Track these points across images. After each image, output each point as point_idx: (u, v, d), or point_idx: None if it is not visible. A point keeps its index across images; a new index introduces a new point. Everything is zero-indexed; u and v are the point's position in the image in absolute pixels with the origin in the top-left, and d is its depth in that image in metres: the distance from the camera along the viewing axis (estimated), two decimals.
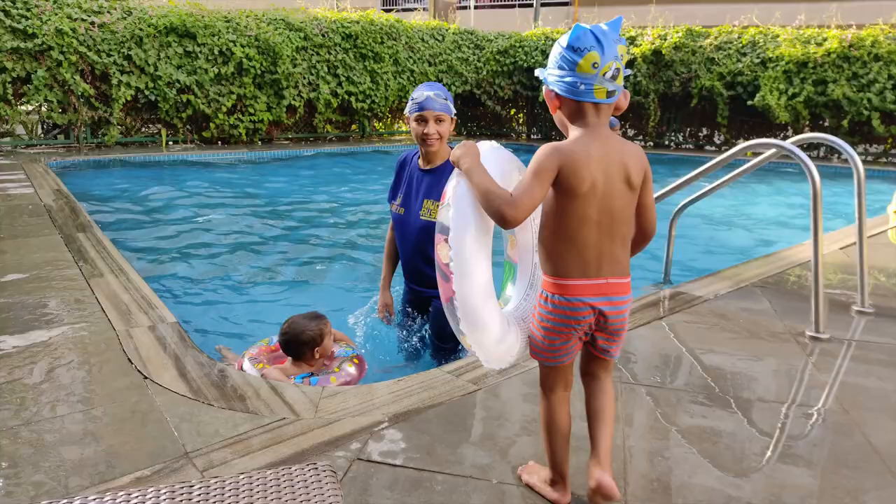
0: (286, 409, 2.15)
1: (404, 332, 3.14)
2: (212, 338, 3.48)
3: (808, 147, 11.80)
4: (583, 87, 1.46)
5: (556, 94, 1.52)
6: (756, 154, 3.48)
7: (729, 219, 6.71)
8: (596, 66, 1.44)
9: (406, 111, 2.82)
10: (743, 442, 2.04)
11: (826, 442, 2.08)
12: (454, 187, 1.59)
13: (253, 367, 2.73)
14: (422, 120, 2.73)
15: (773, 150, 3.35)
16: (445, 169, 2.79)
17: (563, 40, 1.48)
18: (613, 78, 1.47)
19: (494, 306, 1.62)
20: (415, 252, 2.95)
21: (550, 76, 1.52)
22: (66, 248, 4.09)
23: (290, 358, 2.78)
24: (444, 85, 13.39)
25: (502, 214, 1.44)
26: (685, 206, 3.86)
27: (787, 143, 3.05)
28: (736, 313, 3.27)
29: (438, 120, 2.73)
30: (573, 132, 1.53)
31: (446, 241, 1.56)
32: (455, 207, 1.56)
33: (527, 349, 1.69)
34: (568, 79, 1.47)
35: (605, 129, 1.53)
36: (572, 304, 1.53)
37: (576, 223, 1.50)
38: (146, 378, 2.36)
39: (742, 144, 3.16)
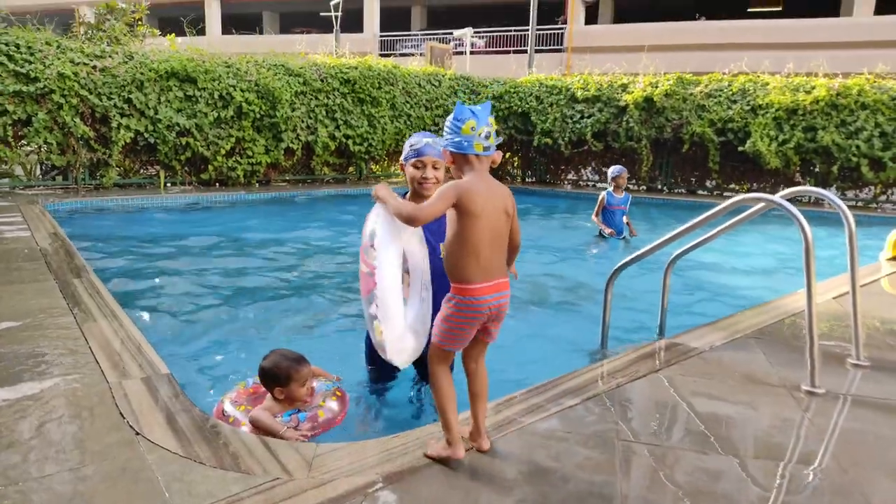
0: (279, 469, 2.12)
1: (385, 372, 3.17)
2: (205, 384, 3.44)
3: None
4: (466, 143, 2.12)
5: (451, 152, 2.16)
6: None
7: (719, 265, 6.75)
8: (473, 129, 2.10)
9: (403, 158, 2.90)
10: (742, 502, 2.02)
11: (825, 502, 2.06)
12: (377, 212, 2.40)
13: (235, 409, 2.72)
14: (420, 165, 2.82)
15: (762, 204, 3.39)
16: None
17: (451, 116, 2.15)
18: (486, 138, 2.13)
19: (401, 305, 2.40)
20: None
21: (446, 140, 2.17)
22: (60, 295, 4.08)
23: (268, 394, 2.77)
24: (441, 129, 13.53)
25: (413, 217, 2.12)
26: (678, 257, 3.89)
27: (779, 198, 3.10)
28: (731, 366, 3.27)
29: (435, 166, 2.84)
30: (465, 176, 2.15)
31: (373, 246, 2.35)
32: (381, 223, 2.36)
33: (420, 347, 2.47)
34: (456, 139, 2.12)
35: (487, 174, 2.17)
36: (478, 302, 2.11)
37: (475, 241, 2.09)
38: (138, 434, 2.33)
39: (734, 198, 3.21)
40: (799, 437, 2.54)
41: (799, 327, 4.01)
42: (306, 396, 2.76)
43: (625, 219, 7.87)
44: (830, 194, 3.28)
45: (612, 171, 7.94)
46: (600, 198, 7.87)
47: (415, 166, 2.83)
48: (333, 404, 2.75)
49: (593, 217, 8.00)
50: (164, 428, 2.39)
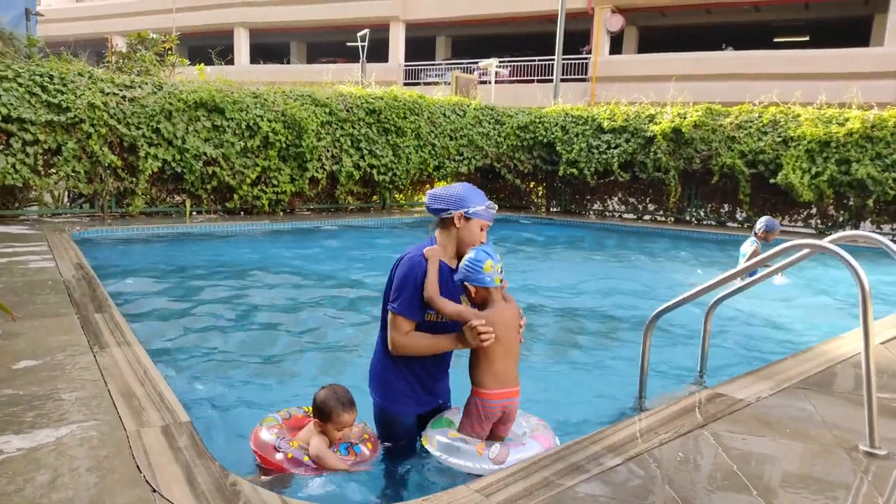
0: None
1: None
2: (226, 426, 3.32)
3: (837, 223, 11.65)
4: (489, 279, 2.61)
5: (476, 287, 2.63)
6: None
7: (757, 305, 6.49)
8: (492, 267, 2.61)
9: (473, 207, 2.72)
10: None
11: None
12: None
13: (287, 443, 2.72)
14: (486, 229, 2.78)
15: (807, 251, 3.21)
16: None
17: (471, 258, 2.64)
18: (501, 271, 2.65)
19: None
20: (449, 356, 2.95)
21: (466, 276, 2.64)
22: (81, 331, 4.01)
23: (309, 424, 2.83)
24: (465, 158, 13.60)
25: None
26: (720, 300, 3.71)
27: (831, 245, 2.92)
28: (781, 421, 3.06)
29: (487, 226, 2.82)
30: (490, 307, 2.63)
31: None
32: None
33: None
34: (479, 276, 2.61)
35: (502, 297, 2.68)
36: (490, 404, 2.65)
37: (492, 357, 2.63)
38: (154, 491, 2.21)
39: (784, 245, 3.03)
40: None
41: (849, 377, 3.79)
42: (338, 438, 2.75)
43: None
44: (885, 240, 3.09)
45: (768, 224, 6.95)
46: (755, 248, 6.79)
47: (482, 228, 2.76)
48: (366, 451, 2.81)
49: (743, 263, 6.56)
50: (183, 484, 2.26)
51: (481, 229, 2.75)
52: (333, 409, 2.71)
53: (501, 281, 2.63)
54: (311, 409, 2.86)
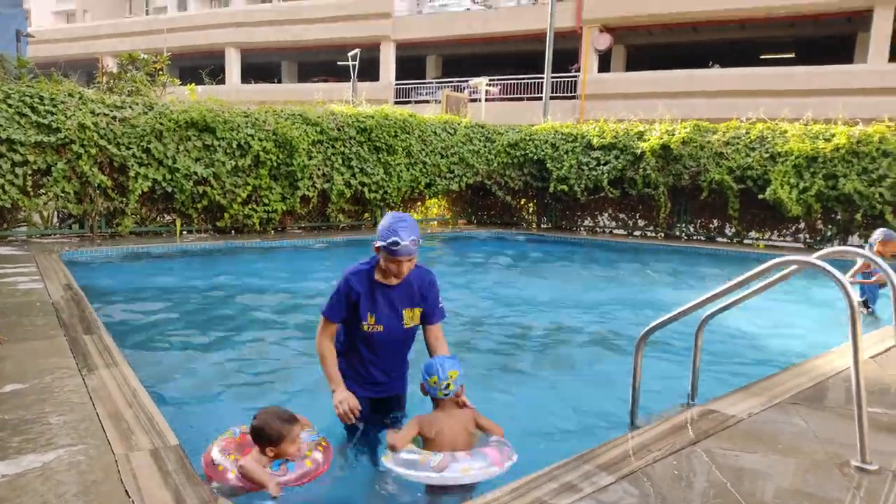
0: None
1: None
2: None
3: (825, 237, 11.74)
4: (432, 391, 2.97)
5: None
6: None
7: (745, 321, 6.51)
8: (436, 383, 2.93)
9: (378, 243, 3.02)
10: None
11: None
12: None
13: (225, 457, 2.73)
14: (397, 261, 3.01)
15: (794, 267, 3.24)
16: (409, 278, 3.17)
17: (423, 370, 3.00)
18: (446, 387, 2.93)
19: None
20: (395, 358, 3.37)
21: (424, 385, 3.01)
22: (70, 353, 3.97)
23: (256, 447, 2.76)
24: (455, 176, 13.64)
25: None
26: (709, 317, 3.72)
27: (819, 261, 2.95)
28: (773, 437, 3.06)
29: (409, 260, 3.04)
30: (436, 408, 3.03)
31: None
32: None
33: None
34: (427, 386, 2.97)
35: (449, 407, 3.00)
36: None
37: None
38: None
39: (772, 261, 3.06)
40: None
41: (840, 391, 3.80)
42: (296, 453, 2.75)
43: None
44: (876, 257, 3.12)
45: (887, 234, 6.63)
46: (862, 262, 6.46)
47: (391, 260, 3.02)
48: (318, 455, 2.83)
49: (849, 278, 6.33)
50: None
51: (391, 261, 3.01)
52: (280, 429, 2.69)
53: (446, 395, 2.94)
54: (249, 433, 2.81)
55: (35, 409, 3.09)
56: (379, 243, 3.00)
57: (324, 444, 2.92)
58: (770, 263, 3.08)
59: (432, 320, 3.32)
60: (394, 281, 3.14)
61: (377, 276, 3.15)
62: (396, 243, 2.92)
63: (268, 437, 2.69)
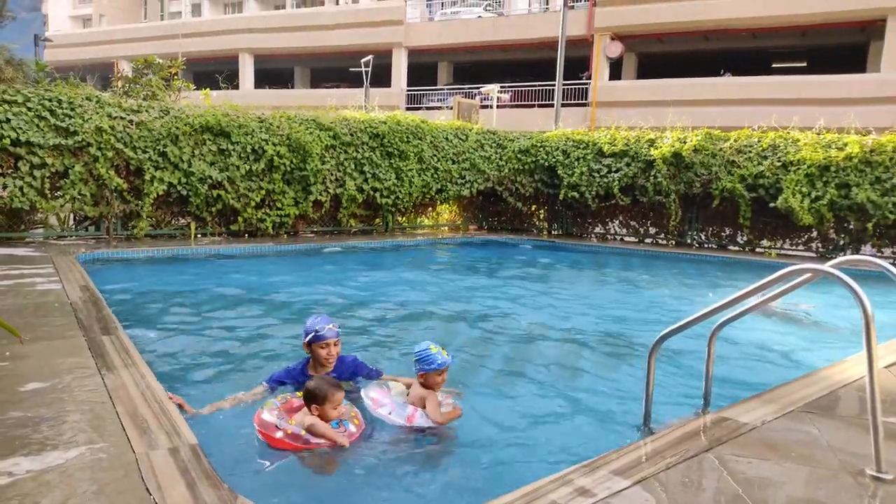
0: None
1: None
2: (233, 450, 3.33)
3: (838, 246, 11.68)
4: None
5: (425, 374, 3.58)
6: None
7: (759, 328, 6.51)
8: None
9: (307, 338, 3.78)
10: None
11: None
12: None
13: (286, 422, 3.22)
14: (326, 346, 3.77)
15: (809, 275, 3.24)
16: (336, 366, 3.90)
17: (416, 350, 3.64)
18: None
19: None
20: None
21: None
22: (89, 353, 4.03)
23: (304, 409, 3.33)
24: (467, 182, 13.69)
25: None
26: (723, 324, 3.72)
27: (834, 269, 2.96)
28: (786, 445, 3.07)
29: (335, 344, 3.81)
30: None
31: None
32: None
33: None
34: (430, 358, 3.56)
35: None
36: None
37: None
38: None
39: (786, 269, 3.07)
40: None
41: (854, 400, 3.79)
42: (336, 416, 3.29)
43: None
44: (887, 264, 3.12)
45: None
46: None
47: (321, 347, 3.77)
48: (352, 427, 3.33)
49: None
50: None
51: (321, 348, 3.78)
52: (327, 391, 3.26)
53: (442, 364, 3.60)
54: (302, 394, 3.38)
55: (56, 407, 3.14)
56: (308, 339, 3.76)
57: (356, 418, 3.43)
58: (784, 271, 3.09)
59: (376, 378, 4.04)
60: (328, 368, 3.82)
61: (310, 372, 3.85)
62: (321, 329, 3.72)
63: (316, 396, 3.25)
